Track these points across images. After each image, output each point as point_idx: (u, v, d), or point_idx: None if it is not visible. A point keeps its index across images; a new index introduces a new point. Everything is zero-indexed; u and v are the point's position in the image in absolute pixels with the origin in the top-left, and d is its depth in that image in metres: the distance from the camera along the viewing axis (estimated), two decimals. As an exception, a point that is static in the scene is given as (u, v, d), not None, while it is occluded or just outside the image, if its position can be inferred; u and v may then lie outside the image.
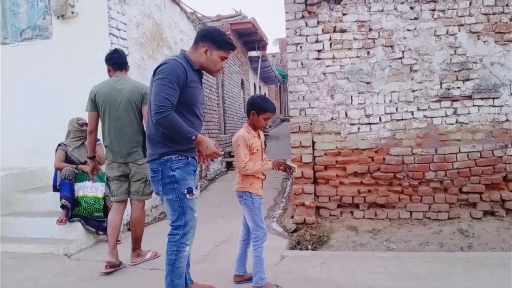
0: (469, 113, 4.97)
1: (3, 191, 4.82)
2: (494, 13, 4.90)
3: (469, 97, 4.96)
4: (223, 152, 2.79)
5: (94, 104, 3.72)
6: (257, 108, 3.08)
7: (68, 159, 4.60)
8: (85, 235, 4.51)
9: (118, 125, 3.68)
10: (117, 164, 3.72)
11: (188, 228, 2.72)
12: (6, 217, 4.72)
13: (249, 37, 14.46)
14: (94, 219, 4.51)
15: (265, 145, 4.23)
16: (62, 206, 4.33)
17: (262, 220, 3.13)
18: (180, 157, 2.67)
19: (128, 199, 3.87)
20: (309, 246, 4.68)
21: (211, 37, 2.74)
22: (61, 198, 4.34)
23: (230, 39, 2.86)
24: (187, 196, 2.66)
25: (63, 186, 4.39)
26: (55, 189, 4.61)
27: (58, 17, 5.18)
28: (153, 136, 2.69)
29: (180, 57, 2.71)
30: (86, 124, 4.35)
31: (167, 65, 2.59)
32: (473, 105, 4.97)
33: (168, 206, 2.71)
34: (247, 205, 3.08)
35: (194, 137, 2.57)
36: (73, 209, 4.40)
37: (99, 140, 4.04)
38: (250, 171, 3.00)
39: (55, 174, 4.62)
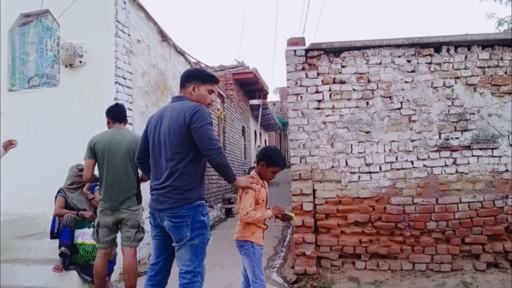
0: (468, 163, 5.00)
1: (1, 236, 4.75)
2: (489, 66, 5.06)
3: (468, 147, 5.01)
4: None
5: (93, 153, 3.84)
6: (268, 160, 3.12)
7: (67, 206, 4.57)
8: (81, 284, 4.40)
9: (115, 173, 3.79)
10: (110, 211, 3.79)
11: (204, 276, 2.75)
12: (1, 264, 4.62)
13: (251, 86, 14.87)
14: (90, 268, 4.41)
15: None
16: (61, 254, 4.26)
17: (262, 272, 3.07)
18: (206, 202, 2.81)
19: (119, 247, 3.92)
20: (310, 298, 4.56)
21: (195, 75, 2.94)
22: (60, 246, 4.28)
23: (211, 73, 3.07)
24: (209, 242, 2.76)
25: (64, 233, 4.34)
26: (52, 236, 4.55)
27: (66, 66, 5.34)
28: (186, 181, 2.70)
29: (188, 101, 2.82)
30: None
31: (203, 111, 2.71)
32: (472, 155, 5.01)
33: (191, 252, 2.69)
34: (248, 255, 3.04)
35: (235, 177, 2.82)
36: (70, 257, 4.33)
37: (97, 185, 4.07)
38: (251, 219, 2.98)
39: (53, 221, 4.57)
